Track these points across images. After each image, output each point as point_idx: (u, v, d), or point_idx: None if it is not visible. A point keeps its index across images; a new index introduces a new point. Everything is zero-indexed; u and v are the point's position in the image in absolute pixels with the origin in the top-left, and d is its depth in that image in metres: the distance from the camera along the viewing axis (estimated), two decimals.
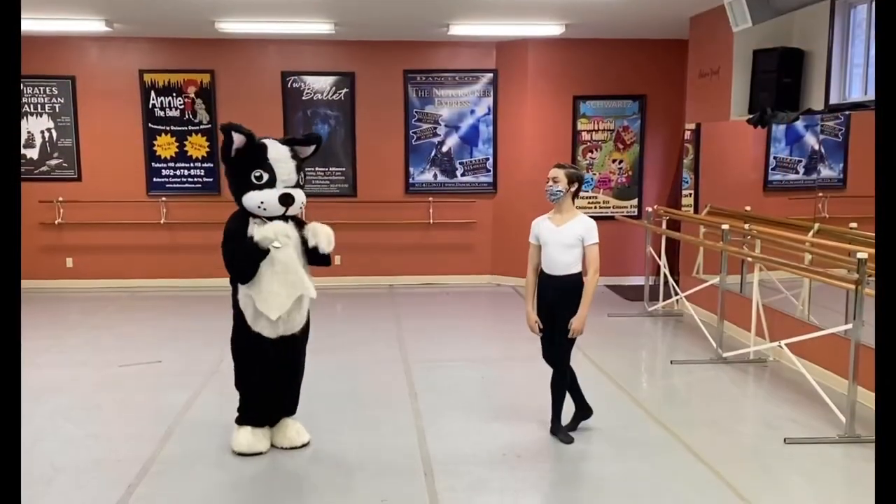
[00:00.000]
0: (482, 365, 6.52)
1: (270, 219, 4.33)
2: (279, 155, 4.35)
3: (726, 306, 6.82)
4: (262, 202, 4.29)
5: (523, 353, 6.79)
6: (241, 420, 4.63)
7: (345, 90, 9.75)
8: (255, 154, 4.32)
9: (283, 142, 4.48)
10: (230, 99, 9.59)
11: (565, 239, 4.63)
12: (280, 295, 4.33)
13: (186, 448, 4.71)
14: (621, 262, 9.89)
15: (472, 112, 9.88)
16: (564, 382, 4.80)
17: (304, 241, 4.47)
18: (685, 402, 5.86)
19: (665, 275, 8.16)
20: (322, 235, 4.47)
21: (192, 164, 9.71)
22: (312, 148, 4.61)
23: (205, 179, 9.73)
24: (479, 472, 4.36)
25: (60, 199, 9.60)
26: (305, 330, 4.61)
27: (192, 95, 9.60)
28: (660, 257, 8.22)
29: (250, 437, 4.57)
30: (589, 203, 9.79)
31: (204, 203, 9.59)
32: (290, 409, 4.73)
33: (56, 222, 9.64)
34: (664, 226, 8.36)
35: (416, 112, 9.83)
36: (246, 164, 4.32)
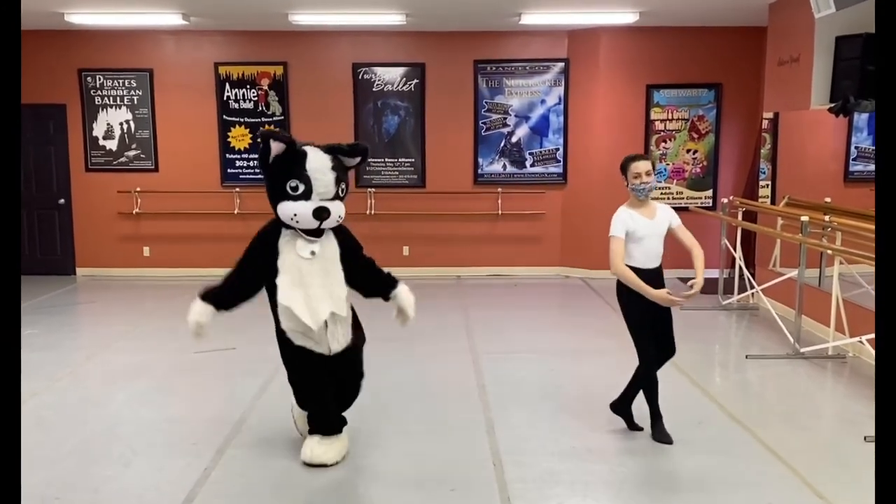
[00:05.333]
0: (551, 357, 6.47)
1: (305, 231, 4.11)
2: (318, 166, 4.05)
3: (804, 300, 6.64)
4: (295, 214, 4.04)
5: (592, 346, 6.74)
6: (312, 428, 4.43)
7: (415, 81, 9.77)
8: (293, 163, 4.04)
9: (327, 150, 4.17)
10: (302, 91, 9.72)
11: (660, 229, 4.64)
12: (315, 307, 4.17)
13: (260, 434, 4.79)
14: None
15: (543, 102, 9.80)
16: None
17: (344, 255, 4.27)
18: (760, 398, 5.73)
19: (740, 267, 7.98)
20: (410, 307, 4.48)
21: None
22: (357, 159, 4.32)
23: None
24: (548, 464, 4.33)
25: (138, 189, 9.84)
26: (353, 348, 4.39)
27: (266, 87, 9.74)
28: (735, 249, 8.04)
29: (315, 447, 4.34)
30: (662, 194, 9.63)
31: None
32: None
33: (134, 212, 9.89)
34: (740, 217, 8.16)
35: (486, 102, 9.80)
36: (283, 173, 4.05)
